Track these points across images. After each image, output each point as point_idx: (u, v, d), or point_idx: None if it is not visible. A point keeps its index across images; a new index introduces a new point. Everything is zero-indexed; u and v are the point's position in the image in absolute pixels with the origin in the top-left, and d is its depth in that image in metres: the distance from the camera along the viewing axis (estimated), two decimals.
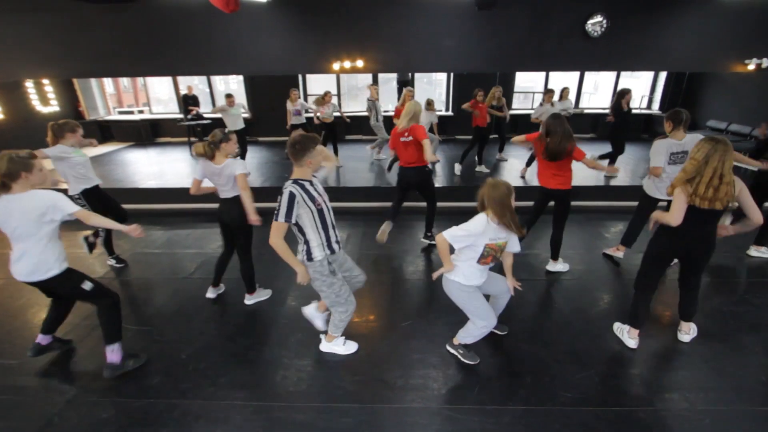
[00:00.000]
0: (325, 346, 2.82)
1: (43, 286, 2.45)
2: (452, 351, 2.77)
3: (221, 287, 3.55)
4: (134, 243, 4.61)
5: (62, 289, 2.51)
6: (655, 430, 2.22)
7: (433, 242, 4.38)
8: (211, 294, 3.47)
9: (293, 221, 2.32)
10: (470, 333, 2.61)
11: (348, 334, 3.03)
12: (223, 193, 3.11)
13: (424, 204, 4.29)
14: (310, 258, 2.45)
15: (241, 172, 2.99)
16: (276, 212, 2.29)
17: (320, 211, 2.40)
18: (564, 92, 6.88)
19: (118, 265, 4.06)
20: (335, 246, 2.53)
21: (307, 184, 2.37)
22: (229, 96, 6.89)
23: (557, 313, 3.26)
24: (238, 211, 3.06)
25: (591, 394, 2.46)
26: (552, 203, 3.62)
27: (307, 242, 2.43)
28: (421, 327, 3.06)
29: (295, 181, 2.34)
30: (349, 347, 2.83)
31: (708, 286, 3.63)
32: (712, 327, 3.04)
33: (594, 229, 4.83)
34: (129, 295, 3.61)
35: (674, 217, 2.43)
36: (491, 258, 2.39)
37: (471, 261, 2.40)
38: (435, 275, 2.54)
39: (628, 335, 2.85)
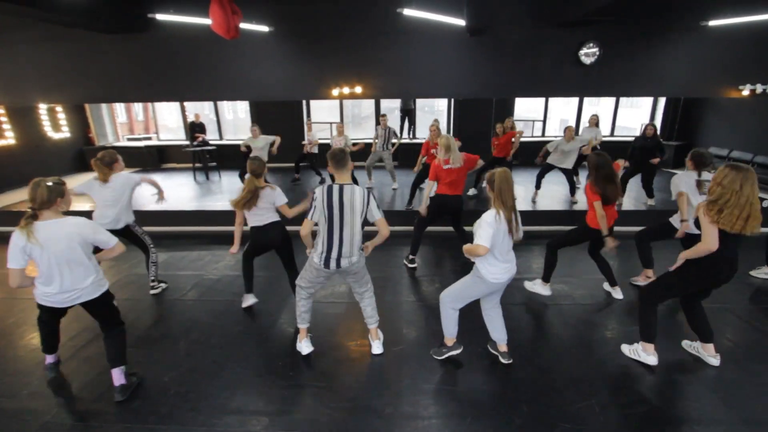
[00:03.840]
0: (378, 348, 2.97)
1: (93, 302, 2.46)
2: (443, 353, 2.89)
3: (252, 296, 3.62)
4: (130, 264, 4.60)
5: (105, 303, 2.55)
6: None
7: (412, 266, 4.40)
8: (251, 301, 3.59)
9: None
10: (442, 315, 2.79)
11: (337, 358, 2.93)
12: (261, 220, 3.26)
13: (405, 228, 4.42)
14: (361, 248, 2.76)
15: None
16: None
17: (329, 219, 2.53)
18: (591, 120, 6.69)
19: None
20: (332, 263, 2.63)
21: (335, 188, 2.51)
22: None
23: (556, 339, 3.13)
24: (280, 231, 3.35)
25: (591, 425, 2.31)
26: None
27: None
28: (412, 352, 2.95)
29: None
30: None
31: (715, 313, 3.49)
32: (721, 355, 2.89)
33: None
34: None
35: (711, 243, 2.38)
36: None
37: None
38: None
39: (644, 353, 2.78)
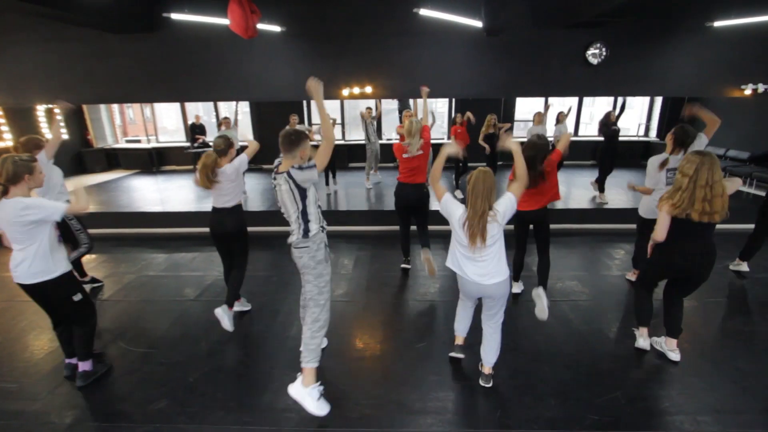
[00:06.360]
0: (296, 391, 2.31)
1: (40, 289, 2.39)
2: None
3: (245, 303, 3.53)
4: (139, 266, 4.55)
5: (55, 294, 2.44)
6: None
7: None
8: (237, 307, 3.40)
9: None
10: None
11: (362, 356, 2.93)
12: (223, 201, 3.07)
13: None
14: (306, 234, 2.32)
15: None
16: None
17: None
18: (560, 116, 6.89)
19: (95, 285, 4.04)
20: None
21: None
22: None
23: (576, 335, 3.17)
24: (235, 219, 3.11)
25: (620, 416, 2.35)
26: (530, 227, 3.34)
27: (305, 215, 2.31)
28: (437, 348, 2.96)
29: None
30: (322, 407, 2.28)
31: (724, 306, 3.56)
32: (738, 347, 2.96)
33: (603, 250, 4.80)
34: (134, 317, 3.51)
35: (658, 233, 2.49)
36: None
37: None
38: None
39: (639, 335, 2.90)
